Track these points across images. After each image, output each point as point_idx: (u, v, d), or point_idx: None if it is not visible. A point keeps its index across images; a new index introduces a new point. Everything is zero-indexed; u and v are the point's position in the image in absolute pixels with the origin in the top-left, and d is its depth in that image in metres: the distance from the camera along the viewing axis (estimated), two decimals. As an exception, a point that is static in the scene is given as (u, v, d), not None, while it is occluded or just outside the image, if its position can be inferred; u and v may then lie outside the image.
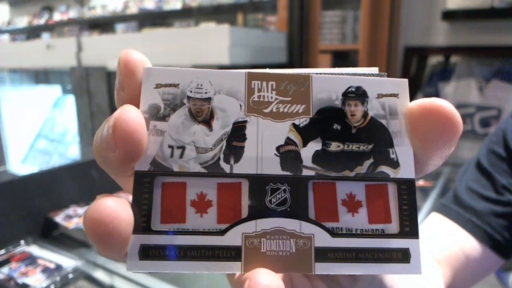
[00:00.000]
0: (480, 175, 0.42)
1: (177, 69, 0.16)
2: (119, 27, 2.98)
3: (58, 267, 0.68)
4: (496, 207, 0.40)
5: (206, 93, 0.16)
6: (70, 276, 0.67)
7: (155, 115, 0.16)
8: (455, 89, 1.62)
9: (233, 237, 0.16)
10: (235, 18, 2.44)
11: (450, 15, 1.60)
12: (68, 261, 0.70)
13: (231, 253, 0.16)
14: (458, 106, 1.59)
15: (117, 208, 0.15)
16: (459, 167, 0.48)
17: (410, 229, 0.16)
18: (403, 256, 0.16)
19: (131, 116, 0.15)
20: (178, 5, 2.68)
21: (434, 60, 1.76)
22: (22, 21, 3.74)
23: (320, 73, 0.17)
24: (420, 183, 1.14)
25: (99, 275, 0.68)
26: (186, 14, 2.68)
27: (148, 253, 0.15)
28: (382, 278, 0.23)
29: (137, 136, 0.15)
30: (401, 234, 0.16)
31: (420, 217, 0.86)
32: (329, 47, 1.80)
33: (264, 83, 0.17)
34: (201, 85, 0.16)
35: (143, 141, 0.15)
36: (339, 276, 0.21)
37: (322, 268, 0.16)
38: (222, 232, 0.16)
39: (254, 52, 1.26)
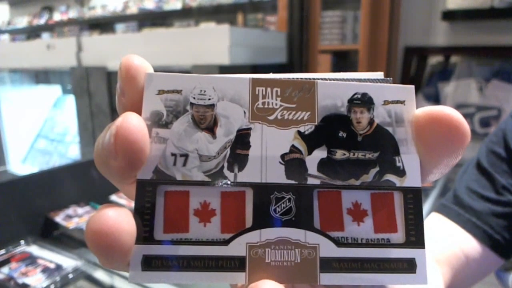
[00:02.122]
0: (480, 175, 0.42)
1: (180, 75, 0.16)
2: (119, 27, 2.98)
3: (58, 267, 0.68)
4: (496, 207, 0.40)
5: (209, 99, 0.16)
6: (70, 276, 0.67)
7: (158, 122, 0.16)
8: (455, 89, 1.62)
9: (237, 247, 0.16)
10: (235, 18, 2.44)
11: (450, 15, 1.60)
12: (68, 261, 0.70)
13: (235, 264, 0.15)
14: (458, 106, 1.59)
15: (118, 218, 0.14)
16: (459, 167, 0.48)
17: (416, 238, 0.16)
18: (408, 266, 0.16)
19: (133, 124, 0.15)
20: (178, 5, 2.68)
21: (434, 60, 1.76)
22: (22, 21, 3.74)
23: (325, 79, 0.17)
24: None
25: (99, 275, 0.68)
26: (186, 14, 2.68)
27: (151, 263, 0.15)
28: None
29: (139, 144, 0.15)
30: (407, 244, 0.16)
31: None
32: (329, 47, 1.80)
33: (269, 89, 0.16)
34: (204, 91, 0.16)
35: (145, 150, 0.15)
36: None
37: (327, 279, 0.16)
38: (226, 242, 0.16)
39: (254, 52, 1.26)
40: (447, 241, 0.40)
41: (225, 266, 0.15)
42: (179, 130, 0.16)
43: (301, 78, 0.17)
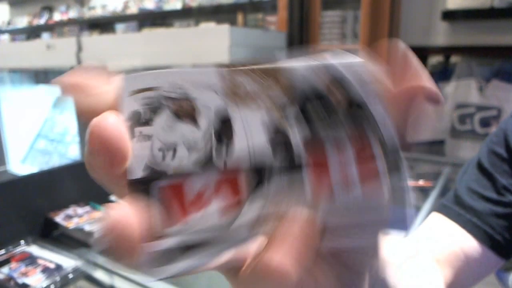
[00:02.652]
0: (481, 176, 0.42)
1: (151, 72, 0.16)
2: (119, 27, 2.98)
3: (58, 267, 0.69)
4: (497, 208, 0.40)
5: (184, 92, 0.16)
6: (70, 276, 0.67)
7: (138, 121, 0.16)
8: (455, 89, 1.62)
9: (237, 230, 0.16)
10: (235, 18, 2.44)
11: (450, 15, 1.60)
12: (68, 261, 0.70)
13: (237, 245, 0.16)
14: (458, 106, 1.59)
15: (126, 217, 0.14)
16: (459, 167, 0.48)
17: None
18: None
19: (108, 122, 0.15)
20: (178, 5, 2.68)
21: (434, 60, 1.76)
22: (22, 21, 3.75)
23: (300, 63, 0.17)
24: (420, 183, 1.14)
25: (99, 275, 0.68)
26: (186, 14, 2.68)
27: (157, 259, 0.16)
28: (384, 277, 0.23)
29: (115, 142, 0.15)
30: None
31: (420, 217, 0.86)
32: (329, 47, 1.80)
33: (246, 76, 0.17)
34: (178, 84, 0.16)
35: (123, 147, 0.15)
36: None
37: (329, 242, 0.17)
38: (226, 227, 0.16)
39: (254, 52, 1.26)
40: (448, 241, 0.40)
41: (228, 248, 0.16)
42: (162, 125, 0.16)
43: (279, 65, 0.17)
